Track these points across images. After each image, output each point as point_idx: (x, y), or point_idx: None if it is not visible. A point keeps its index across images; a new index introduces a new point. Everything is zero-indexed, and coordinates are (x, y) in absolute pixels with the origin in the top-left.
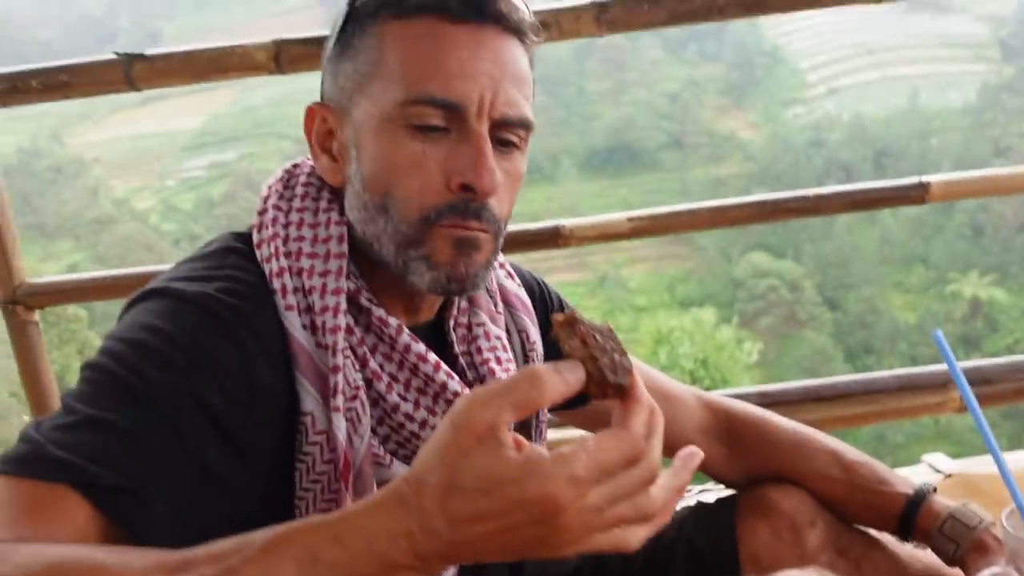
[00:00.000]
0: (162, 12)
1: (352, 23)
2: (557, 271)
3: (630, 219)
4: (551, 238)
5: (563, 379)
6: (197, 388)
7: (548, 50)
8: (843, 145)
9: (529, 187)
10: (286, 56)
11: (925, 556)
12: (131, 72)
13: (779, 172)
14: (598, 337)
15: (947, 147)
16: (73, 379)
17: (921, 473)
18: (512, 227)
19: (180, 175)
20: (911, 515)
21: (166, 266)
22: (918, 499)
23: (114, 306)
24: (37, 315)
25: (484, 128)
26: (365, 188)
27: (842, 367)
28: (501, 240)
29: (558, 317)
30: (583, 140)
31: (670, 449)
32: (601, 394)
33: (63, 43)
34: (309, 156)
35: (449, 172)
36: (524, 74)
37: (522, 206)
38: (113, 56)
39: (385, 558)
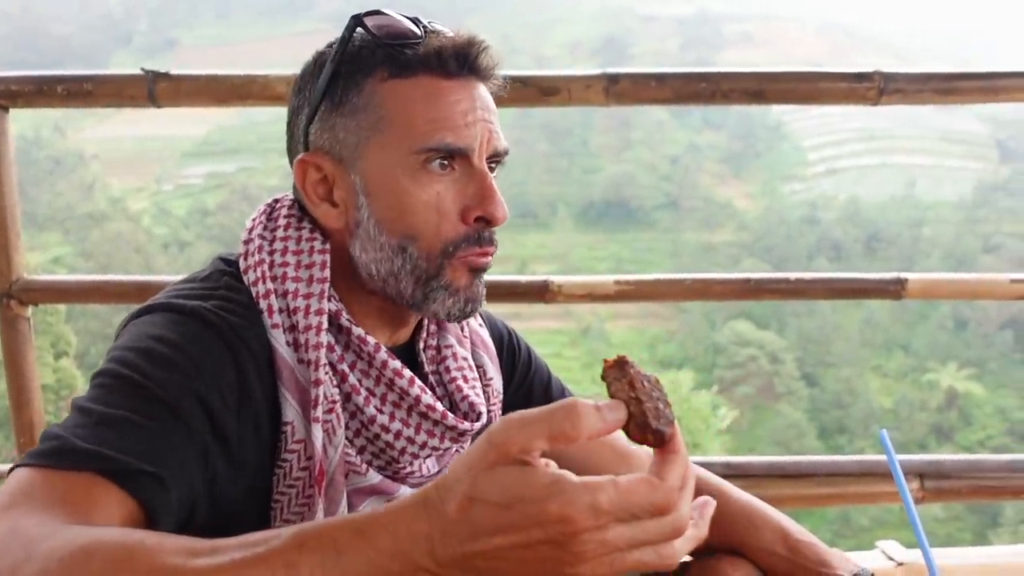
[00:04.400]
0: (182, 20)
1: (342, 81)
2: (540, 318)
3: (617, 282)
4: (539, 292)
5: (601, 417)
6: (198, 388)
7: None
8: (836, 225)
9: (522, 232)
10: None
11: None
12: (155, 89)
13: (771, 244)
14: (646, 383)
15: (938, 238)
16: (42, 371)
17: (874, 559)
18: (501, 278)
19: (178, 180)
20: None
21: (166, 276)
22: None
23: (99, 308)
24: (30, 311)
25: (485, 165)
26: (381, 231)
27: (814, 443)
28: None
29: (609, 359)
30: (581, 192)
31: None
32: (641, 438)
33: (79, 40)
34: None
35: (464, 208)
36: (496, 110)
37: (513, 250)
38: (139, 72)
39: (406, 558)
